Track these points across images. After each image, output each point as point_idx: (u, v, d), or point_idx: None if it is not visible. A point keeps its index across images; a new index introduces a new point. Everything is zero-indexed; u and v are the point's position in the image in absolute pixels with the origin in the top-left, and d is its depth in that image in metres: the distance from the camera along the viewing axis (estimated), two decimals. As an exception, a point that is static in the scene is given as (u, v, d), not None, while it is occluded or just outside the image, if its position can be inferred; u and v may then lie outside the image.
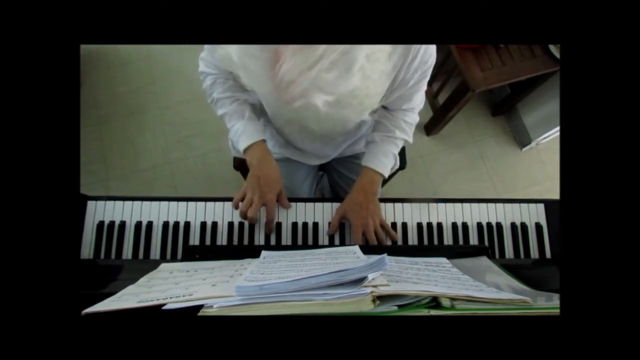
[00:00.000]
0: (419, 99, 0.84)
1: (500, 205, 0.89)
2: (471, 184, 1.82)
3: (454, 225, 0.87)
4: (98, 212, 0.83)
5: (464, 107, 1.61)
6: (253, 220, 0.82)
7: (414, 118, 0.88)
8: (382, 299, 0.44)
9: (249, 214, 0.80)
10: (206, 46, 0.82)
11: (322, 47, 0.48)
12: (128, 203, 0.84)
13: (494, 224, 0.87)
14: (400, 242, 0.86)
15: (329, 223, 0.86)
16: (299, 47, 0.47)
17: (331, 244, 0.86)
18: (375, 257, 0.47)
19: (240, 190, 0.83)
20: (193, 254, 0.72)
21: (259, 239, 0.85)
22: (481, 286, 0.52)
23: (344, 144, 1.01)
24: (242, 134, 0.83)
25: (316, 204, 0.88)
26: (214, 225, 0.85)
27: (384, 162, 0.86)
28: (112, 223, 0.82)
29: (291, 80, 0.50)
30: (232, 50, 0.52)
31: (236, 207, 0.83)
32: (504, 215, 0.88)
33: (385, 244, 0.84)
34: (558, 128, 1.69)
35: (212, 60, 0.82)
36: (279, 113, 0.84)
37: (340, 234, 0.86)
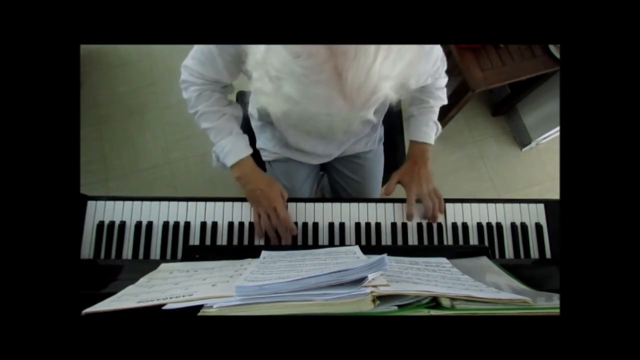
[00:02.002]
0: (438, 63, 0.83)
1: (500, 205, 0.89)
2: (471, 184, 1.82)
3: (454, 225, 0.87)
4: (98, 212, 0.83)
5: (464, 107, 1.61)
6: (293, 230, 0.84)
7: (443, 81, 0.92)
8: (382, 299, 0.44)
9: (264, 224, 0.83)
10: (193, 55, 0.79)
11: None
12: (128, 203, 0.84)
13: (494, 224, 0.87)
14: (400, 242, 0.86)
15: (330, 223, 0.87)
16: (353, 49, 0.46)
17: (331, 244, 0.86)
18: (375, 257, 0.47)
19: (254, 216, 0.85)
20: (193, 254, 0.72)
21: (259, 239, 0.85)
22: (481, 286, 0.53)
23: (347, 143, 1.01)
24: (231, 151, 0.85)
25: (316, 204, 0.88)
26: (214, 225, 0.85)
27: (427, 131, 0.93)
28: (112, 223, 0.82)
29: (361, 84, 0.48)
30: (291, 91, 0.50)
31: (260, 230, 0.84)
32: (504, 215, 0.88)
33: (437, 210, 0.87)
34: (558, 128, 1.69)
35: (200, 70, 0.80)
36: (286, 119, 0.83)
37: (340, 234, 0.86)
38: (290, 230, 0.83)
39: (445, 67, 0.89)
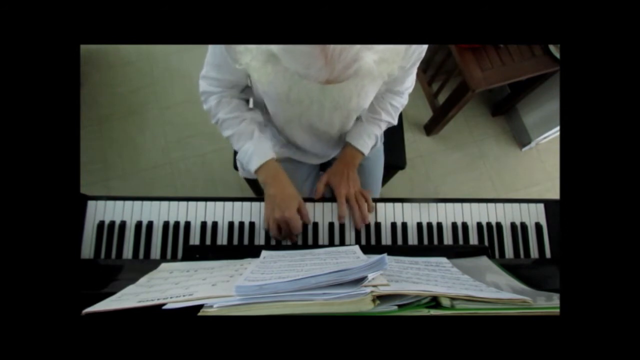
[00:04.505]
0: (410, 82, 0.88)
1: (500, 205, 0.89)
2: (471, 184, 1.82)
3: (454, 225, 0.87)
4: (98, 212, 0.83)
5: (464, 107, 1.61)
6: (293, 238, 0.83)
7: (401, 102, 0.92)
8: (382, 298, 0.44)
9: (273, 233, 0.82)
10: (207, 62, 0.80)
11: None
12: (128, 203, 0.84)
13: (494, 224, 0.87)
14: (400, 242, 0.86)
15: (330, 223, 0.87)
16: None
17: (331, 244, 0.86)
18: (375, 257, 0.47)
19: (265, 221, 0.83)
20: (193, 253, 0.72)
21: (259, 239, 0.85)
22: (481, 286, 0.53)
23: (344, 143, 1.01)
24: (253, 155, 0.83)
25: (316, 203, 0.88)
26: (214, 225, 0.85)
27: (367, 141, 0.92)
28: (112, 223, 0.82)
29: (344, 47, 0.49)
30: None
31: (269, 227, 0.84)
32: (504, 215, 0.88)
33: (364, 211, 0.86)
34: (558, 128, 1.68)
35: (216, 75, 0.80)
36: (282, 110, 0.84)
37: (340, 234, 0.86)
38: (299, 230, 0.83)
39: (411, 90, 0.91)
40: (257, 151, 0.83)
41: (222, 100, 0.84)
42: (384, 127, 0.94)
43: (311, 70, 0.52)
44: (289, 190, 0.83)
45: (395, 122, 0.94)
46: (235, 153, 1.15)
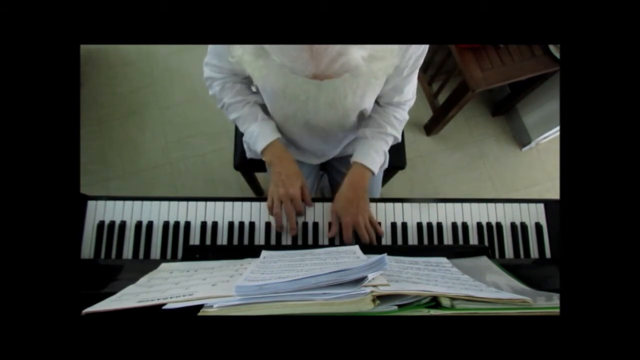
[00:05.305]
0: (411, 92, 0.86)
1: (500, 205, 0.89)
2: (471, 184, 1.82)
3: (454, 225, 0.87)
4: (98, 212, 0.83)
5: (464, 107, 1.61)
6: (293, 229, 0.83)
7: (403, 115, 0.90)
8: (382, 298, 0.44)
9: (275, 209, 0.83)
10: (209, 50, 0.81)
11: None
12: (128, 203, 0.84)
13: (494, 224, 0.87)
14: (400, 242, 0.86)
15: (330, 223, 0.86)
16: None
17: (331, 244, 0.85)
18: (375, 257, 0.47)
19: (269, 197, 0.85)
20: (193, 253, 0.73)
21: (259, 239, 0.85)
22: (481, 286, 0.53)
23: (344, 141, 1.01)
24: (259, 136, 0.86)
25: (316, 203, 0.88)
26: (214, 225, 0.85)
27: (375, 158, 0.87)
28: (112, 223, 0.82)
29: None
30: None
31: (272, 212, 0.85)
32: (504, 215, 0.88)
33: (374, 242, 0.84)
34: (558, 128, 1.68)
35: (217, 62, 0.82)
36: (279, 107, 0.84)
37: (340, 234, 0.86)
38: (301, 209, 0.84)
39: (412, 103, 0.89)
40: (262, 133, 0.86)
41: (226, 86, 0.86)
42: (390, 141, 0.90)
43: (297, 63, 0.52)
44: (294, 169, 0.86)
45: (399, 136, 0.91)
46: (236, 146, 1.15)
